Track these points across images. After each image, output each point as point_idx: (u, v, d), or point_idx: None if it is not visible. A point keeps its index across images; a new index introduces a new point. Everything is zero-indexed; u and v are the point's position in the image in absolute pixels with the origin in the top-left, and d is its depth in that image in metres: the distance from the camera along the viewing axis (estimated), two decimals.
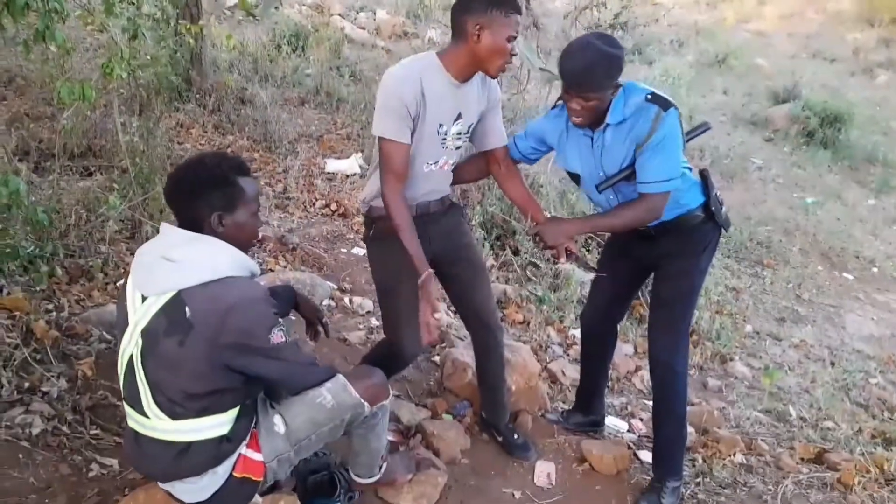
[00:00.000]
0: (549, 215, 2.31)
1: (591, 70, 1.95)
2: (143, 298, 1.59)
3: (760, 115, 9.41)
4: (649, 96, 2.04)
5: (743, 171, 7.49)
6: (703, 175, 2.27)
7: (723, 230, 2.30)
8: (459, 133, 2.10)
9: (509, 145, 2.30)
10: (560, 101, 2.17)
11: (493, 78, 2.08)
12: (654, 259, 2.33)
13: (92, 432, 2.15)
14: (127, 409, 1.67)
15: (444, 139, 2.07)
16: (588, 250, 4.39)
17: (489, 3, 1.89)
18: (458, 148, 2.14)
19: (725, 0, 16.43)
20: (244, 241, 1.70)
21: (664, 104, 2.03)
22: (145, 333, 1.58)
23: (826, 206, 6.89)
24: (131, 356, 1.61)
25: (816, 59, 13.37)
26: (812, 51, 13.80)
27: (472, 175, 2.43)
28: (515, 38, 1.95)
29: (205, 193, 1.62)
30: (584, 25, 6.62)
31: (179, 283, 1.55)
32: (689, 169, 2.24)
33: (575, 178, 2.29)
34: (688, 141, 2.18)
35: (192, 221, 1.63)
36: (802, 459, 2.89)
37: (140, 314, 1.59)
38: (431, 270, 2.01)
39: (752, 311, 4.68)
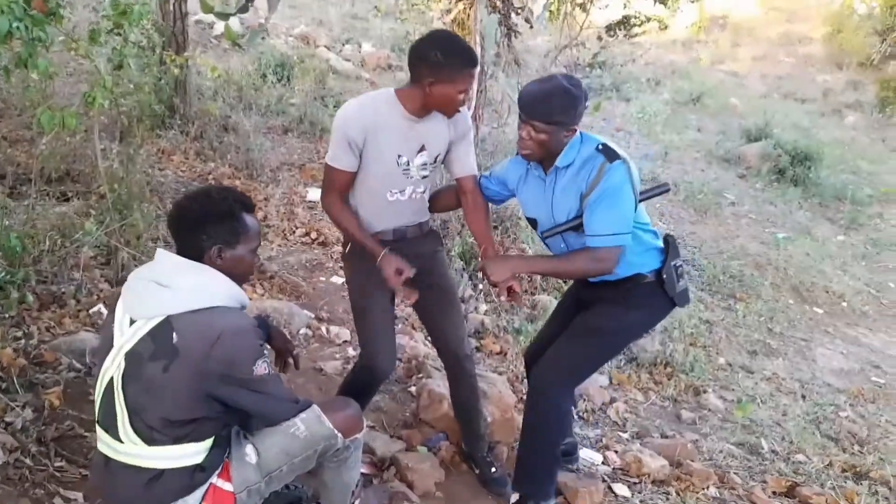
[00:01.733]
0: (501, 253, 2.32)
1: (547, 99, 1.97)
2: (132, 322, 1.59)
3: (733, 152, 9.64)
4: (600, 146, 2.06)
5: (716, 206, 7.65)
6: (667, 241, 2.23)
7: (675, 305, 2.22)
8: (425, 164, 2.14)
9: (481, 183, 2.31)
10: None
11: (448, 117, 2.12)
12: (590, 301, 2.30)
13: (56, 464, 2.09)
14: (100, 432, 1.65)
15: (408, 170, 2.12)
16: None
17: (444, 56, 1.94)
18: (424, 177, 2.17)
19: (701, 41, 16.95)
20: (239, 275, 1.72)
21: (611, 156, 2.02)
22: (129, 356, 1.57)
23: (797, 242, 7.04)
24: (112, 378, 1.60)
25: (788, 99, 13.80)
26: (784, 92, 14.24)
27: (445, 204, 2.42)
28: (467, 90, 2.02)
29: (209, 226, 1.65)
30: (563, 63, 6.80)
31: (169, 309, 1.56)
32: (654, 233, 2.23)
33: (533, 223, 2.30)
34: (643, 200, 2.17)
35: (191, 251, 1.66)
36: (774, 493, 2.91)
37: (126, 337, 1.59)
38: (385, 249, 2.08)
39: (725, 343, 4.74)
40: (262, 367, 1.61)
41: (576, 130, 2.06)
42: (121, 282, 3.15)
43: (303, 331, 3.41)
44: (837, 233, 7.86)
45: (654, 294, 2.20)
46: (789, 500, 2.88)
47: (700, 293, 5.44)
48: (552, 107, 1.97)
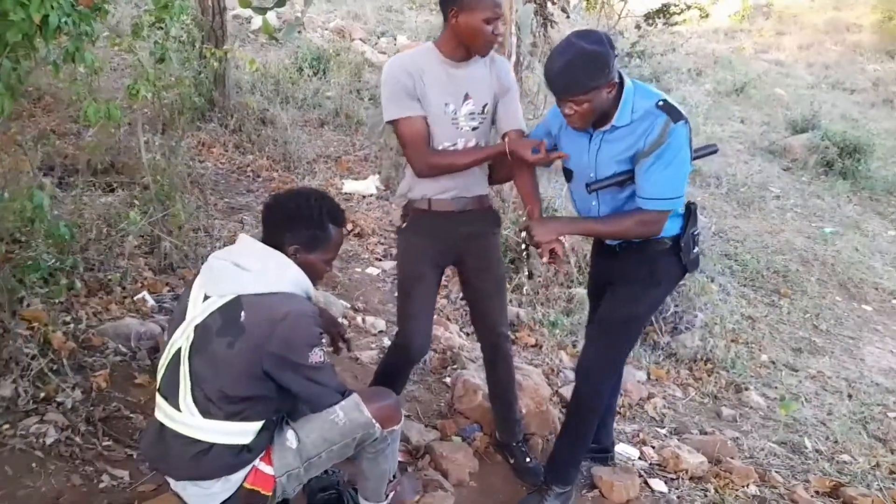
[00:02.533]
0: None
1: (572, 71, 1.86)
2: (206, 297, 1.68)
3: (778, 144, 9.36)
4: (660, 103, 1.95)
5: (760, 199, 7.44)
6: (689, 208, 2.17)
7: (687, 271, 2.21)
8: (472, 113, 2.13)
9: None
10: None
11: (482, 56, 2.10)
12: (609, 280, 2.27)
13: (104, 443, 2.17)
14: (159, 399, 1.72)
15: (455, 119, 2.11)
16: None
17: None
18: (474, 129, 2.14)
19: (744, 30, 16.48)
20: (310, 277, 1.79)
21: (675, 115, 1.92)
22: (199, 329, 1.66)
23: (845, 237, 6.80)
24: (179, 349, 1.68)
25: (836, 89, 13.32)
26: (831, 81, 13.75)
27: (500, 173, 2.33)
28: (495, 19, 1.98)
29: (295, 227, 1.74)
30: None
31: (241, 289, 1.65)
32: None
33: (567, 174, 2.22)
34: (693, 159, 2.11)
35: (273, 242, 1.74)
36: (817, 493, 2.83)
37: (199, 311, 1.67)
38: (507, 139, 2.08)
39: (769, 340, 4.61)
40: (317, 355, 1.67)
41: (616, 83, 1.93)
42: (164, 270, 3.26)
43: (340, 320, 3.44)
44: (888, 227, 7.56)
45: (671, 263, 2.16)
46: (833, 500, 2.80)
47: (743, 289, 5.31)
48: (581, 77, 1.86)
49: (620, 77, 1.96)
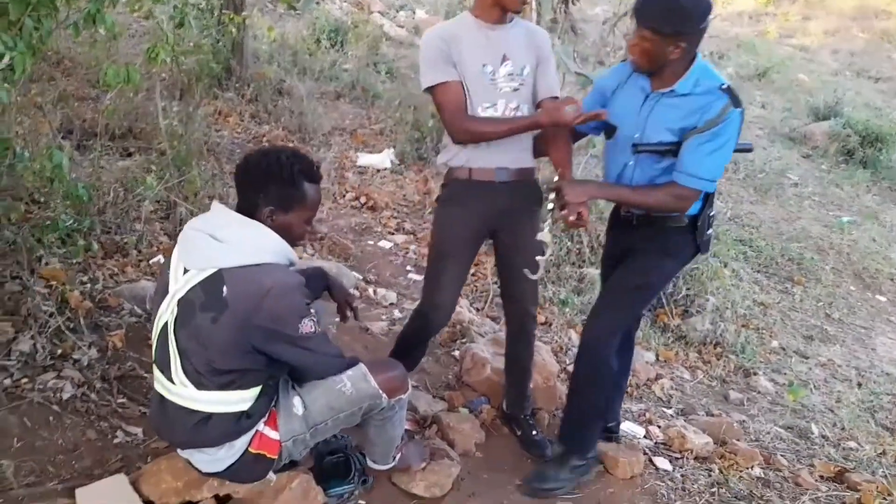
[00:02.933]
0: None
1: (654, 6, 1.91)
2: (185, 270, 1.65)
3: (799, 131, 9.22)
4: (724, 86, 1.99)
5: (778, 186, 7.35)
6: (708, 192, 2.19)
7: (699, 252, 2.23)
8: (511, 74, 2.11)
9: None
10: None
11: (514, 11, 2.10)
12: (623, 253, 2.28)
13: (119, 401, 2.22)
14: (156, 372, 1.73)
15: (494, 80, 2.09)
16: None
17: None
18: (515, 90, 2.13)
19: (769, 13, 16.15)
20: (289, 239, 1.73)
21: (736, 101, 1.97)
22: (182, 303, 1.64)
23: (863, 226, 6.72)
24: (166, 323, 1.67)
25: (860, 77, 13.05)
26: (856, 68, 13.47)
27: (541, 147, 2.30)
28: None
29: (266, 186, 1.68)
30: (622, 32, 6.59)
31: (221, 262, 1.61)
32: None
33: (609, 131, 2.20)
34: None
35: (247, 206, 1.70)
36: (822, 477, 2.84)
37: (180, 284, 1.65)
38: (540, 110, 2.07)
39: (780, 327, 4.59)
40: (307, 326, 1.65)
41: (685, 49, 1.96)
42: (178, 234, 3.29)
43: (351, 291, 3.47)
44: None
45: (685, 241, 2.19)
46: (837, 485, 2.80)
47: (756, 275, 5.27)
48: (657, 13, 1.90)
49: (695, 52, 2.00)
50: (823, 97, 10.03)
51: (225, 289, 1.58)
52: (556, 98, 2.17)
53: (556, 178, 2.14)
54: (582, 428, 2.36)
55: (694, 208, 2.14)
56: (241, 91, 5.52)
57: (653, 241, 2.19)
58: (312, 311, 1.68)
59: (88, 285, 2.63)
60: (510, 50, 2.10)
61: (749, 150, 2.34)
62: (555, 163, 2.25)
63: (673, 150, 2.04)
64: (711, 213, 2.19)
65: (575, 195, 2.06)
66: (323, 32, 7.35)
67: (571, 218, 2.07)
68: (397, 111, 5.97)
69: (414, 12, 9.73)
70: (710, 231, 2.21)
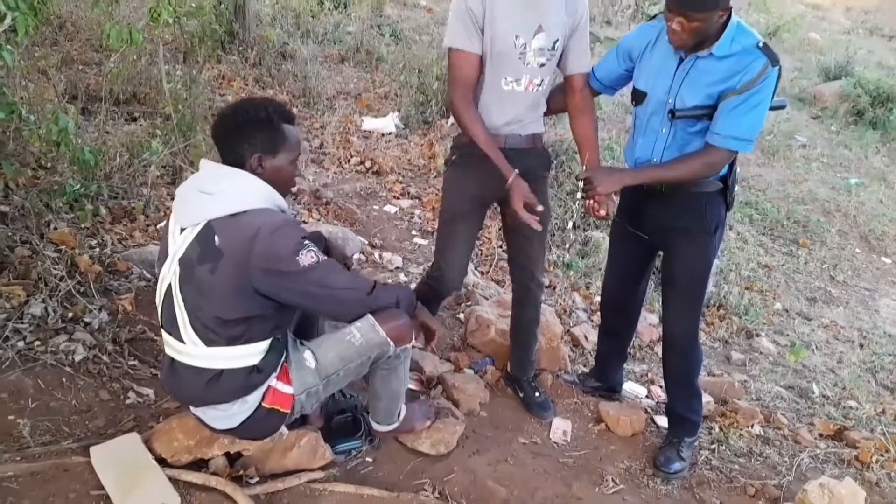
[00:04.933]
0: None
1: None
2: (182, 230, 1.68)
3: (809, 91, 9.08)
4: (761, 44, 1.92)
5: (786, 148, 7.28)
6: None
7: (728, 210, 2.21)
8: (542, 48, 2.03)
9: (592, 72, 2.20)
10: (659, 14, 2.06)
11: None
12: (662, 232, 2.24)
13: (130, 363, 2.26)
14: (165, 335, 1.77)
15: (524, 53, 2.01)
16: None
17: None
18: (542, 66, 2.06)
19: None
20: (281, 185, 1.77)
21: (774, 59, 1.90)
22: (182, 261, 1.67)
23: (870, 188, 6.67)
24: (169, 284, 1.70)
25: (874, 35, 12.80)
26: (869, 26, 13.20)
27: (554, 105, 2.26)
28: None
29: (248, 134, 1.69)
30: None
31: (210, 213, 1.64)
32: None
33: (640, 96, 2.13)
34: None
35: (234, 160, 1.71)
36: (821, 435, 2.89)
37: (178, 244, 1.68)
38: (516, 171, 2.00)
39: (784, 289, 4.61)
40: (307, 257, 1.64)
41: (729, 9, 1.89)
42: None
43: (357, 256, 3.50)
44: None
45: (719, 204, 2.16)
46: (836, 443, 2.85)
47: (761, 237, 5.27)
48: None
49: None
50: (835, 56, 9.85)
51: (217, 238, 1.61)
52: (587, 74, 2.14)
53: (584, 167, 2.08)
54: (688, 412, 2.42)
55: (724, 168, 2.09)
56: (245, 55, 5.47)
57: (691, 218, 2.15)
58: (308, 243, 1.68)
59: (97, 249, 2.66)
60: (546, 19, 2.00)
61: (783, 107, 2.28)
62: (581, 145, 2.18)
63: (708, 113, 1.98)
64: (736, 170, 2.17)
65: (608, 185, 2.02)
66: None
67: (602, 213, 2.04)
68: (402, 74, 5.91)
69: None
70: (736, 188, 2.20)
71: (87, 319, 2.33)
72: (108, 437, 1.90)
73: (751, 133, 1.95)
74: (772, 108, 2.10)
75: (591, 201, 2.06)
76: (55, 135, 2.36)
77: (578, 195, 2.09)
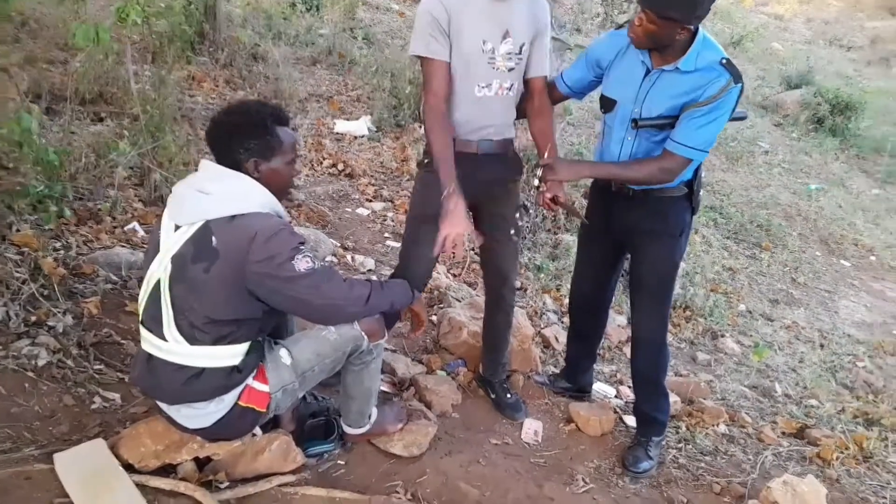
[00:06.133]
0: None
1: None
2: (176, 228, 1.68)
3: (771, 99, 9.35)
4: (724, 60, 1.98)
5: (749, 154, 7.48)
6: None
7: (693, 213, 2.28)
8: (510, 53, 2.06)
9: (556, 80, 2.26)
10: (627, 23, 2.12)
11: None
12: (628, 235, 2.31)
13: (96, 367, 2.21)
14: (144, 332, 1.75)
15: (493, 58, 2.04)
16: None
17: None
18: (510, 70, 2.08)
19: None
20: (280, 187, 1.77)
21: (736, 76, 1.98)
22: (175, 259, 1.66)
23: (830, 193, 6.90)
24: (158, 280, 1.69)
25: (833, 46, 13.23)
26: (829, 37, 13.64)
27: (518, 108, 2.27)
28: None
29: (243, 140, 1.70)
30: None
31: (208, 214, 1.64)
32: None
33: (609, 104, 2.19)
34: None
35: (230, 164, 1.71)
36: (784, 433, 2.97)
37: (172, 242, 1.68)
38: (454, 186, 1.98)
39: (747, 291, 4.73)
40: (304, 263, 1.64)
41: (691, 29, 1.96)
42: (154, 202, 3.26)
43: (329, 258, 3.48)
44: (873, 186, 7.67)
45: (684, 208, 2.23)
46: (798, 440, 2.93)
47: (725, 241, 5.40)
48: (668, 1, 1.88)
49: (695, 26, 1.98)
50: (796, 66, 10.17)
51: (214, 238, 1.62)
52: (546, 77, 2.18)
53: (546, 155, 2.13)
54: (656, 412, 2.46)
55: (688, 173, 2.16)
56: (215, 55, 5.41)
57: (657, 221, 2.22)
58: (304, 248, 1.68)
59: (62, 252, 2.60)
60: (513, 25, 2.03)
61: (744, 119, 2.36)
62: (538, 141, 2.24)
63: (671, 123, 2.05)
64: (702, 175, 2.24)
65: (565, 173, 2.08)
66: None
67: (548, 195, 2.09)
68: (374, 77, 5.91)
69: None
70: (701, 192, 2.27)
71: (50, 323, 2.27)
72: (73, 443, 1.86)
73: (706, 144, 2.03)
74: (733, 120, 2.17)
75: (543, 186, 2.11)
76: (17, 135, 2.31)
77: (535, 182, 2.13)
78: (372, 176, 4.65)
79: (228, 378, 1.72)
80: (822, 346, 4.17)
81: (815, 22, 14.60)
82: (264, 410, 1.80)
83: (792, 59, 11.04)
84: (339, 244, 3.69)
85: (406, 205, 4.22)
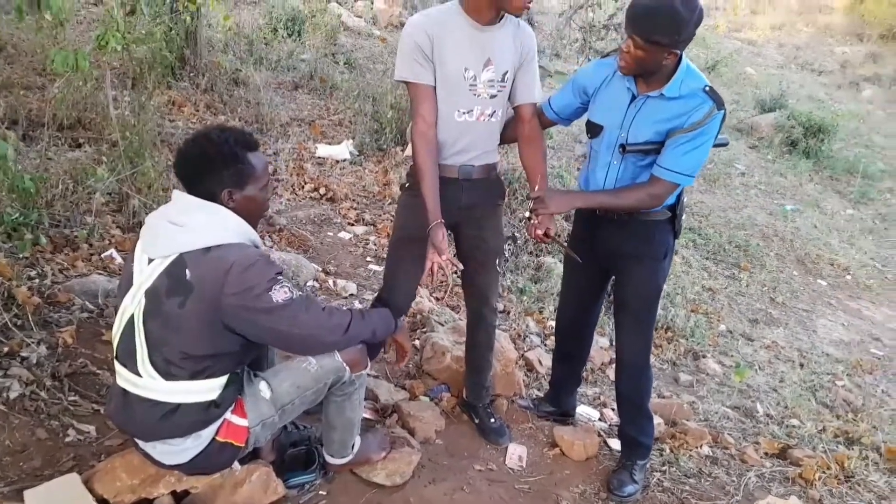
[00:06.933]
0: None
1: (651, 16, 1.88)
2: (150, 261, 1.64)
3: (746, 122, 9.55)
4: (707, 88, 2.02)
5: (726, 176, 7.61)
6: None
7: (676, 237, 2.31)
8: (492, 80, 2.07)
9: (544, 106, 2.28)
10: (613, 52, 2.15)
11: (515, 14, 2.03)
12: (612, 258, 2.32)
13: (70, 399, 2.16)
14: (118, 367, 1.70)
15: (474, 85, 2.05)
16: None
17: None
18: (493, 97, 2.10)
19: (718, 8, 16.58)
20: (255, 213, 1.75)
21: (719, 103, 2.02)
22: (148, 293, 1.62)
23: (805, 214, 7.02)
24: (132, 315, 1.65)
25: (804, 70, 13.58)
26: (801, 62, 14.01)
27: (507, 135, 2.30)
28: None
29: (214, 171, 1.66)
30: (578, 25, 6.69)
31: (182, 247, 1.60)
32: None
33: (595, 129, 2.22)
34: None
35: (204, 196, 1.68)
36: (766, 454, 2.98)
37: (145, 275, 1.64)
38: (440, 220, 2.01)
39: (727, 311, 4.78)
40: (281, 293, 1.61)
41: (678, 54, 1.99)
42: (132, 228, 3.22)
43: (310, 283, 3.46)
44: (846, 206, 7.83)
45: (667, 231, 2.25)
46: (780, 461, 2.94)
47: (705, 261, 5.46)
48: (654, 25, 1.89)
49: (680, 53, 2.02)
50: (769, 90, 10.41)
51: (188, 272, 1.58)
52: (536, 104, 2.20)
53: (537, 188, 2.15)
54: (640, 435, 2.45)
55: (672, 198, 2.19)
56: (196, 81, 5.41)
57: (641, 244, 2.24)
58: (281, 279, 1.65)
59: (37, 280, 2.56)
60: (495, 53, 2.04)
61: (725, 145, 2.42)
62: (529, 172, 2.25)
63: (657, 148, 2.09)
64: (684, 200, 2.28)
65: (558, 205, 2.11)
66: (279, 21, 7.25)
67: (540, 232, 2.10)
68: (356, 102, 5.94)
69: (372, 2, 9.65)
70: (683, 216, 2.31)
71: (24, 354, 2.22)
72: (45, 478, 1.80)
73: (693, 169, 2.07)
74: (715, 146, 2.22)
75: (535, 219, 2.12)
76: None
77: (527, 214, 2.14)
78: (354, 200, 4.65)
79: (206, 413, 1.68)
80: (801, 365, 4.21)
81: (787, 47, 15.00)
82: (243, 445, 1.76)
83: (765, 84, 11.31)
84: (320, 269, 3.67)
85: (388, 228, 4.22)
